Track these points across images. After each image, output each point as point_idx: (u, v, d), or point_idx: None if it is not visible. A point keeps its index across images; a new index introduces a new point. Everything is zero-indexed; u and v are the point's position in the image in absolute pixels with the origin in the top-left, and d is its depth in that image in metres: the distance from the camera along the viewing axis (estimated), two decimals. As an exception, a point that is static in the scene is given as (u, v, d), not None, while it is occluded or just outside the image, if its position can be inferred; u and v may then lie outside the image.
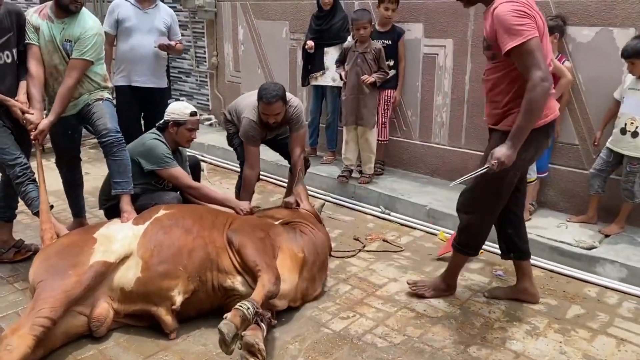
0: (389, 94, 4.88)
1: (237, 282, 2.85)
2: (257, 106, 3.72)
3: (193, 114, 3.58)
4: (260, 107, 3.66)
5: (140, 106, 4.64)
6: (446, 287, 3.23)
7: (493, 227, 3.10)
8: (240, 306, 2.43)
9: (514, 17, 2.47)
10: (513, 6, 2.49)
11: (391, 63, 4.75)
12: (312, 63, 5.17)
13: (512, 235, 3.10)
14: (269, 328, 2.66)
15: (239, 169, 4.32)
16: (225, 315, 2.40)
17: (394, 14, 4.69)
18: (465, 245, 3.07)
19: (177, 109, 3.60)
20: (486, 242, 3.90)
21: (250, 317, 2.43)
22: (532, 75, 2.47)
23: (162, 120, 3.62)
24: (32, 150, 3.56)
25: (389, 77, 4.67)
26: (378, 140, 4.86)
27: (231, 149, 4.27)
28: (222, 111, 6.62)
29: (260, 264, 2.74)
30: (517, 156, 2.60)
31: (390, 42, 4.77)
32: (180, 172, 3.55)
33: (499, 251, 3.75)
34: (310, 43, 5.04)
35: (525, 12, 2.50)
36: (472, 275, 3.51)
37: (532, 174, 4.00)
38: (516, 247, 3.12)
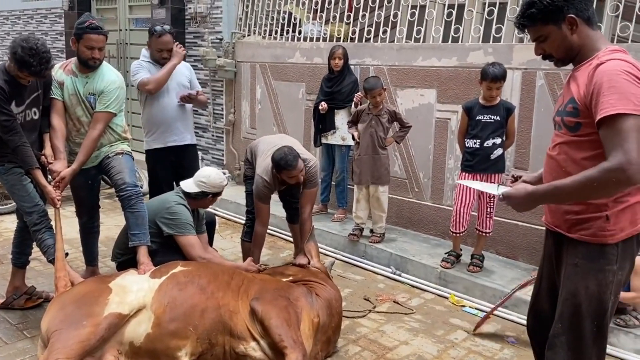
0: (496, 179, 4.18)
1: (249, 349, 2.80)
2: (272, 169, 3.72)
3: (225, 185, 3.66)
4: (284, 175, 3.66)
5: (174, 164, 4.51)
6: None
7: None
8: None
9: (629, 82, 1.89)
10: (629, 67, 1.92)
11: (497, 141, 4.11)
12: (324, 123, 5.34)
13: None
14: None
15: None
16: None
17: (499, 92, 4.09)
18: None
19: (213, 180, 3.61)
20: (499, 309, 3.87)
21: None
22: (621, 157, 1.82)
23: (195, 192, 3.60)
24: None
25: (494, 158, 4.11)
26: (480, 231, 4.31)
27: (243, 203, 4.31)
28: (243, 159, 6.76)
29: (286, 339, 2.69)
30: (611, 276, 2.04)
31: (498, 118, 4.10)
32: (195, 241, 3.48)
33: (511, 317, 3.74)
34: (325, 105, 5.20)
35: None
36: (483, 341, 3.46)
37: None
38: None
